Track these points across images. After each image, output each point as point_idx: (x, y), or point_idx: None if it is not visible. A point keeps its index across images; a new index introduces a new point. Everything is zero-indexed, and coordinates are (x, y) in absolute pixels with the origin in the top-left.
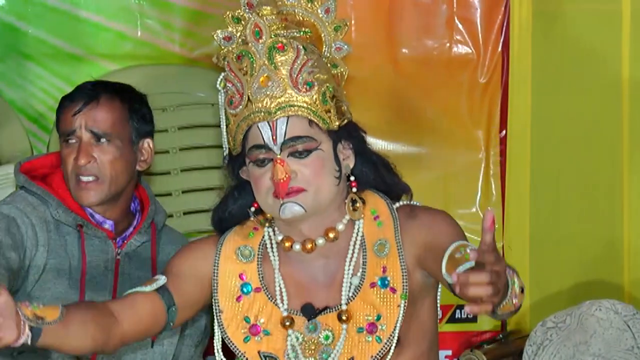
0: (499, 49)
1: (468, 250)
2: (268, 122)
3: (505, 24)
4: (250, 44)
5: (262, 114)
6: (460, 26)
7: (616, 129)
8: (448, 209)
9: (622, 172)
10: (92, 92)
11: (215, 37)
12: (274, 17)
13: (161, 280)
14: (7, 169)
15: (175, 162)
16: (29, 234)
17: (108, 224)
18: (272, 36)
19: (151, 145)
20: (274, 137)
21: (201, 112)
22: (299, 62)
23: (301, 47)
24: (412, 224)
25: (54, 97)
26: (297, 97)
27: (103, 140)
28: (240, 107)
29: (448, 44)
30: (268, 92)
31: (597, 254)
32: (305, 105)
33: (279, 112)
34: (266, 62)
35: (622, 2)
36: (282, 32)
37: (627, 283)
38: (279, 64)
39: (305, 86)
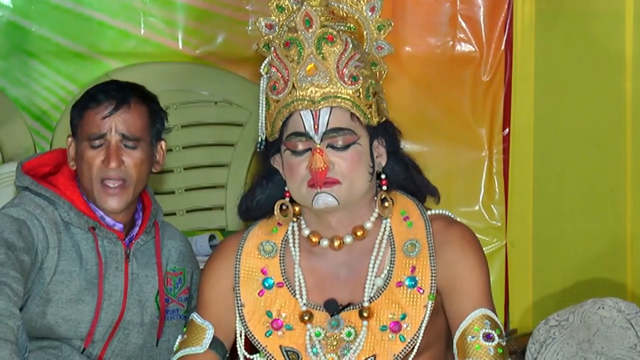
0: (502, 47)
1: (481, 339)
2: (311, 111)
3: (508, 22)
4: (299, 32)
5: (306, 102)
6: (463, 24)
7: (619, 126)
8: (451, 207)
9: (625, 170)
10: (121, 94)
11: (258, 25)
12: (322, 9)
13: (209, 331)
14: (10, 167)
15: (178, 160)
16: (39, 236)
17: (118, 227)
18: (322, 26)
19: (164, 147)
20: (316, 127)
21: (204, 110)
22: (346, 55)
23: (349, 41)
24: (445, 244)
25: (57, 95)
26: (342, 89)
27: (132, 144)
28: (284, 93)
29: (451, 42)
30: (314, 81)
31: (600, 252)
32: (349, 97)
33: (323, 102)
34: (314, 51)
35: (626, 0)
36: (330, 24)
37: (630, 281)
38: (327, 54)
39: (350, 79)
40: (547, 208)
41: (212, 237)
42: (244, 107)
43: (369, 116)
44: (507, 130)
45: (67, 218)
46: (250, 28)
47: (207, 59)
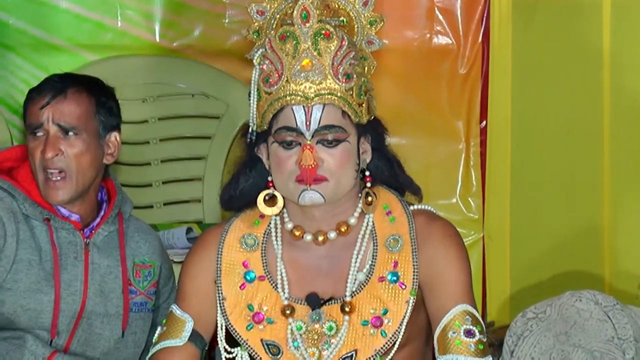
0: (479, 39)
1: (462, 335)
2: (303, 107)
3: (485, 14)
4: (296, 26)
5: (299, 97)
6: (440, 17)
7: (597, 119)
8: (428, 200)
9: (602, 163)
10: (59, 84)
11: (250, 10)
12: (318, 2)
13: (189, 324)
14: None
15: (155, 153)
16: None
17: (74, 217)
18: (319, 21)
19: (118, 139)
20: (308, 123)
21: (181, 103)
22: (342, 52)
23: (346, 38)
24: (427, 240)
25: None
26: (335, 87)
27: (70, 133)
28: (276, 86)
29: (428, 35)
30: (308, 77)
31: (578, 244)
32: (342, 95)
33: (316, 99)
34: (310, 46)
35: None
36: (326, 18)
37: (608, 274)
38: (323, 50)
39: (345, 77)
40: (524, 200)
41: (189, 230)
42: (221, 99)
43: (359, 114)
44: (484, 122)
45: (24, 209)
46: (227, 21)
47: (184, 51)
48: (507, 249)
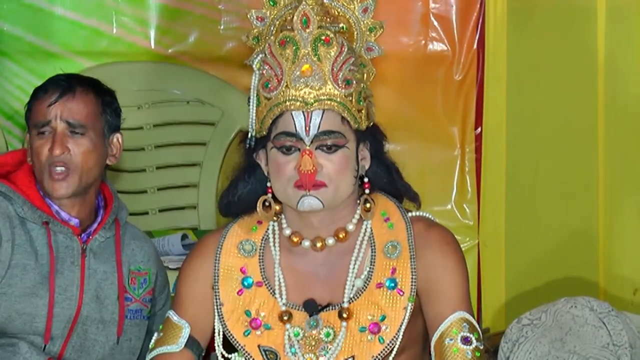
0: (475, 46)
1: (459, 342)
2: (303, 112)
3: (480, 21)
4: (296, 32)
5: (299, 102)
6: (435, 23)
7: (591, 125)
8: (423, 206)
9: (597, 169)
10: (67, 83)
11: (249, 17)
12: (318, 8)
13: (185, 330)
14: None
15: (150, 160)
16: None
17: (74, 222)
18: (319, 27)
19: (120, 141)
20: (307, 128)
21: (176, 110)
22: (341, 58)
23: (345, 44)
24: (425, 246)
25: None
26: (335, 92)
27: (78, 131)
28: (276, 92)
29: (423, 41)
30: (308, 82)
31: (573, 251)
32: (341, 101)
33: (316, 104)
34: (310, 52)
35: None
36: (326, 25)
37: (603, 280)
38: (323, 56)
39: (344, 83)
40: (519, 207)
41: (184, 237)
42: (216, 106)
43: (359, 120)
44: (479, 129)
45: (22, 213)
46: (222, 27)
47: (179, 58)
48: (502, 255)
